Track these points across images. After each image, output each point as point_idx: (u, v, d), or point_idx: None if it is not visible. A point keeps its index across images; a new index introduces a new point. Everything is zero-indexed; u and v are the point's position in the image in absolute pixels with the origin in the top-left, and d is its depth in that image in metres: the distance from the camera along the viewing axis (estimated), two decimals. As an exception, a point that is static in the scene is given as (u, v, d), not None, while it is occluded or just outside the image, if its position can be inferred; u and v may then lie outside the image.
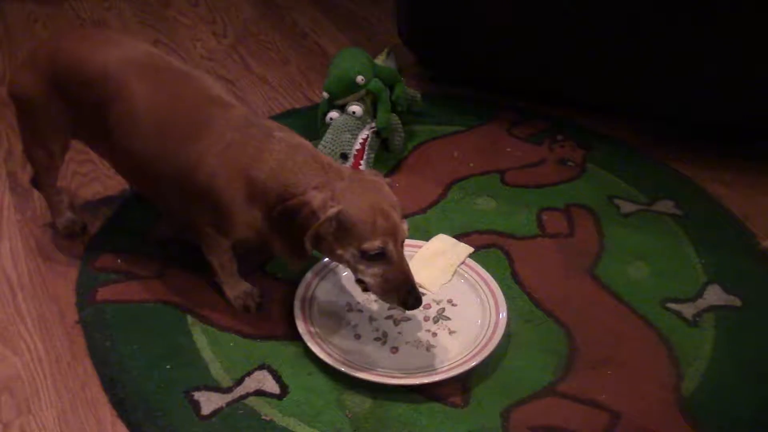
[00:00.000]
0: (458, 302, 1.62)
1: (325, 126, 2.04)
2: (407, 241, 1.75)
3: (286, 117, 2.29)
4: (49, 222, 1.86)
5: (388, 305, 1.60)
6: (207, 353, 1.53)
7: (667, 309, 1.63)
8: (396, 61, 2.30)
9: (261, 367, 1.50)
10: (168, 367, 1.49)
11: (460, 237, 1.80)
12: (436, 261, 1.70)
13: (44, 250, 1.80)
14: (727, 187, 2.00)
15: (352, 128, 1.99)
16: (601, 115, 2.27)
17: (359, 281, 1.46)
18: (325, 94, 2.06)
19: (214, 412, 1.41)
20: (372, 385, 1.44)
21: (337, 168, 1.45)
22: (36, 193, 1.92)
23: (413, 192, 1.97)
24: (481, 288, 1.63)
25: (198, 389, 1.45)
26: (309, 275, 1.66)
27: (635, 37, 2.04)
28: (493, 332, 1.51)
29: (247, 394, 1.44)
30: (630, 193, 1.98)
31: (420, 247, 1.74)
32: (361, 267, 1.40)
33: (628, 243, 1.81)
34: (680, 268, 1.74)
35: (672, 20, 1.97)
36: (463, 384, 1.46)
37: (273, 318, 1.61)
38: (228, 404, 1.42)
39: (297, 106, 2.38)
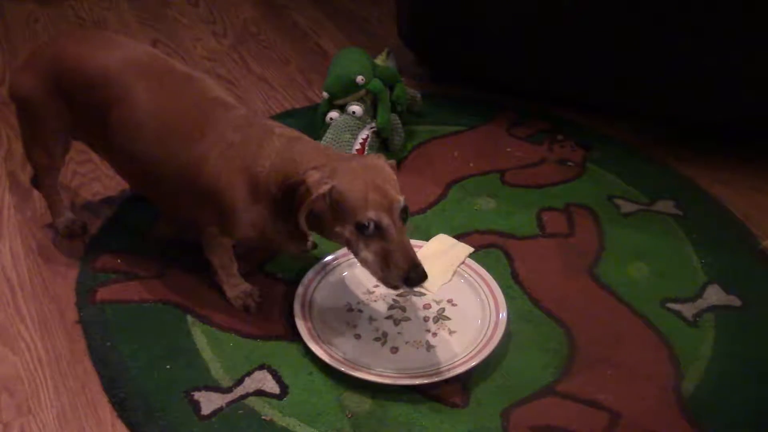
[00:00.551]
0: (458, 302, 1.62)
1: (325, 126, 2.04)
2: (407, 241, 1.76)
3: (286, 117, 2.29)
4: (49, 222, 1.86)
5: (387, 306, 1.61)
6: (207, 353, 1.53)
7: (667, 309, 1.63)
8: (396, 61, 2.30)
9: (261, 367, 1.50)
10: (168, 367, 1.49)
11: (460, 237, 1.80)
12: (436, 261, 1.70)
13: (44, 250, 1.80)
14: (727, 187, 2.00)
15: (352, 128, 1.99)
16: (601, 115, 2.27)
17: (362, 261, 1.41)
18: (325, 94, 2.06)
19: (214, 412, 1.41)
20: (372, 385, 1.44)
21: (338, 153, 1.46)
22: (36, 193, 1.92)
23: (413, 192, 1.96)
24: (481, 288, 1.63)
25: (198, 389, 1.45)
26: (309, 275, 1.66)
27: (635, 37, 2.04)
28: (493, 332, 1.51)
29: (247, 394, 1.44)
30: (630, 193, 1.98)
31: (420, 247, 1.74)
32: (362, 245, 1.38)
33: (628, 243, 1.81)
34: (680, 268, 1.74)
35: (672, 20, 1.97)
36: (463, 384, 1.46)
37: (273, 318, 1.61)
38: (228, 404, 1.42)
39: (297, 106, 2.38)
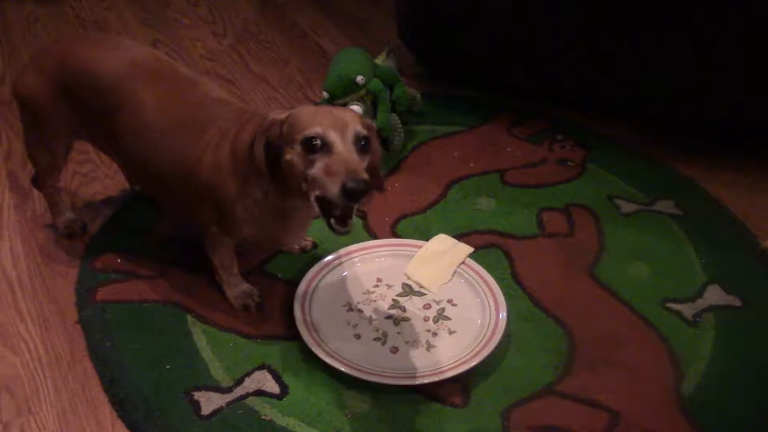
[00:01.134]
0: (458, 302, 1.62)
1: (325, 126, 2.04)
2: (407, 242, 1.77)
3: (286, 117, 2.29)
4: (49, 222, 1.86)
5: (387, 306, 1.61)
6: (207, 353, 1.53)
7: (667, 309, 1.63)
8: (396, 61, 2.30)
9: (261, 367, 1.50)
10: (168, 367, 1.49)
11: (460, 237, 1.80)
12: (436, 261, 1.70)
13: (44, 250, 1.80)
14: (727, 187, 2.00)
15: (352, 128, 1.99)
16: (601, 115, 2.27)
17: (310, 182, 1.32)
18: (325, 94, 2.06)
19: (214, 412, 1.41)
20: (372, 385, 1.44)
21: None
22: (36, 193, 1.92)
23: (413, 192, 1.97)
24: (481, 288, 1.63)
25: (198, 389, 1.45)
26: (309, 275, 1.66)
27: (635, 37, 2.04)
28: (493, 332, 1.51)
29: (247, 394, 1.44)
30: (630, 193, 1.98)
31: (420, 247, 1.74)
32: (308, 165, 1.30)
33: (628, 243, 1.81)
34: (680, 268, 1.74)
35: (672, 20, 1.97)
36: (463, 384, 1.46)
37: (273, 318, 1.61)
38: (228, 404, 1.42)
39: (297, 106, 2.38)
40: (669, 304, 1.64)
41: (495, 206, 1.93)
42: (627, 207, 1.93)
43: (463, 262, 1.70)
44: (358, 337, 1.55)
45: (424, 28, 2.39)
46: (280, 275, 1.72)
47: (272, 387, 1.46)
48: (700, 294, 1.67)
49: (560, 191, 1.98)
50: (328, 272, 1.68)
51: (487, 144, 2.17)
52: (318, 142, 1.29)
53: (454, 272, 1.68)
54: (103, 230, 1.85)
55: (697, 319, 1.61)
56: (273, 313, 1.62)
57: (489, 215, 1.90)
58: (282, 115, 1.37)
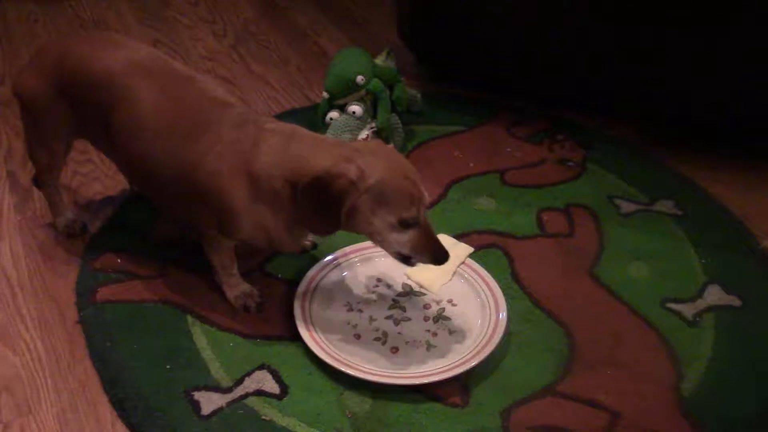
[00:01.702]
0: (458, 302, 1.62)
1: (325, 126, 2.04)
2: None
3: (286, 117, 2.29)
4: (49, 222, 1.86)
5: (387, 306, 1.61)
6: (207, 353, 1.53)
7: (667, 309, 1.63)
8: (396, 61, 2.30)
9: (261, 367, 1.50)
10: (168, 367, 1.49)
11: (460, 237, 1.80)
12: (436, 261, 1.70)
13: (44, 250, 1.80)
14: (727, 187, 2.00)
15: (352, 128, 1.99)
16: (601, 115, 2.27)
17: (394, 248, 1.46)
18: (325, 94, 2.06)
19: (214, 412, 1.41)
20: (372, 385, 1.44)
21: (343, 142, 1.46)
22: (36, 193, 1.92)
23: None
24: (481, 288, 1.63)
25: (198, 389, 1.45)
26: (309, 275, 1.66)
27: (635, 37, 2.04)
28: (493, 332, 1.51)
29: (247, 394, 1.44)
30: (630, 193, 1.98)
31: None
32: (394, 235, 1.42)
33: (628, 243, 1.81)
34: (680, 268, 1.74)
35: (672, 20, 1.97)
36: (463, 384, 1.46)
37: (273, 318, 1.61)
38: (228, 404, 1.42)
39: (297, 106, 2.38)
40: (669, 304, 1.64)
41: (495, 206, 1.93)
42: (627, 207, 1.93)
43: (463, 262, 1.70)
44: (358, 337, 1.55)
45: (424, 28, 2.39)
46: (280, 275, 1.72)
47: (272, 387, 1.46)
48: (700, 294, 1.67)
49: (560, 191, 1.98)
50: (328, 272, 1.68)
51: (487, 144, 2.17)
52: (412, 220, 1.40)
53: (454, 272, 1.68)
54: (103, 230, 1.85)
55: (697, 319, 1.61)
56: (273, 313, 1.62)
57: (489, 215, 1.90)
58: (370, 181, 1.36)
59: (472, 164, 2.08)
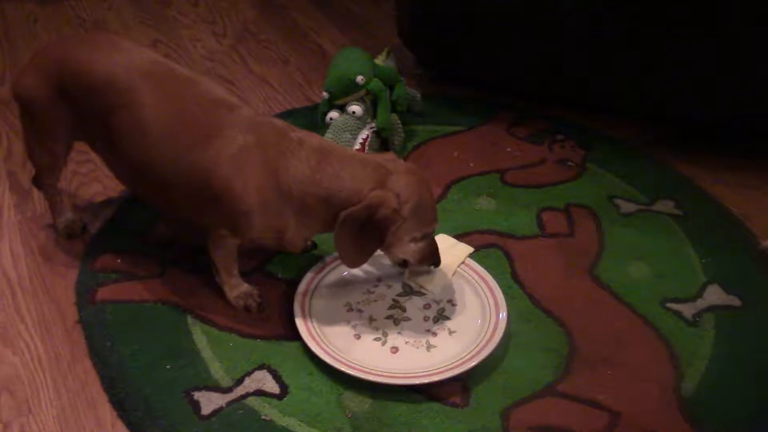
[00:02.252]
0: (458, 302, 1.62)
1: (325, 126, 2.04)
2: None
3: (286, 117, 2.28)
4: (49, 222, 1.86)
5: (387, 306, 1.61)
6: (207, 353, 1.53)
7: (667, 309, 1.63)
8: (396, 61, 2.30)
9: (261, 367, 1.50)
10: (168, 367, 1.49)
11: (460, 237, 1.80)
12: (436, 261, 1.70)
13: (44, 250, 1.80)
14: (727, 187, 2.00)
15: (352, 128, 1.99)
16: (601, 115, 2.27)
17: (399, 261, 1.58)
18: (325, 94, 2.06)
19: (214, 412, 1.41)
20: (372, 385, 1.44)
21: (374, 161, 1.49)
22: (36, 193, 1.92)
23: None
24: (481, 288, 1.64)
25: (198, 389, 1.45)
26: (309, 275, 1.66)
27: (635, 37, 2.03)
28: (493, 332, 1.51)
29: (247, 394, 1.44)
30: (630, 193, 1.98)
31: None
32: (411, 246, 1.52)
33: (628, 243, 1.81)
34: (680, 268, 1.74)
35: (672, 20, 1.97)
36: (463, 384, 1.46)
37: (273, 318, 1.61)
38: (228, 404, 1.42)
39: (297, 106, 2.38)
40: (669, 304, 1.64)
41: (495, 206, 1.93)
42: (627, 207, 1.93)
43: (463, 262, 1.70)
44: (358, 337, 1.55)
45: (424, 28, 2.39)
46: (280, 275, 1.72)
47: (272, 387, 1.46)
48: (700, 294, 1.67)
49: (560, 191, 1.98)
50: (328, 272, 1.68)
51: (487, 144, 2.17)
52: (430, 235, 1.54)
53: (454, 272, 1.68)
54: (103, 230, 1.85)
55: (697, 319, 1.61)
56: (273, 313, 1.62)
57: (489, 215, 1.90)
58: (407, 207, 1.43)
59: (472, 164, 2.08)
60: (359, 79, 2.02)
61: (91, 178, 2.03)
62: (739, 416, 1.41)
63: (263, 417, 1.40)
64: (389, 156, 1.53)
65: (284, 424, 1.39)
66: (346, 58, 2.09)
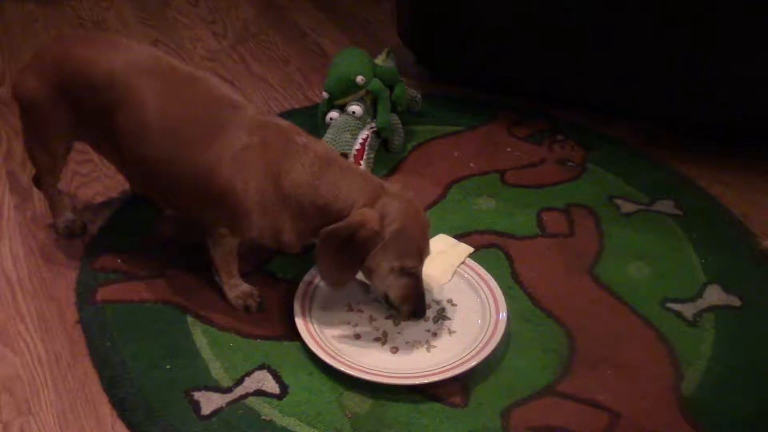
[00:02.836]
0: (458, 302, 1.62)
1: (325, 126, 2.04)
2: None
3: (286, 117, 2.26)
4: (49, 222, 1.86)
5: (388, 307, 1.61)
6: (207, 353, 1.53)
7: (667, 309, 1.63)
8: (396, 61, 2.30)
9: (261, 367, 1.50)
10: (168, 367, 1.49)
11: (460, 237, 1.80)
12: (436, 261, 1.70)
13: (44, 250, 1.80)
14: (727, 187, 2.00)
15: (352, 128, 1.99)
16: (601, 115, 2.27)
17: (383, 290, 1.51)
18: (325, 94, 2.06)
19: (214, 412, 1.41)
20: (372, 385, 1.44)
21: (376, 181, 1.49)
22: (36, 193, 1.92)
23: (413, 192, 1.96)
24: (481, 288, 1.64)
25: (198, 389, 1.45)
26: (309, 275, 1.66)
27: (635, 37, 2.04)
28: (493, 332, 1.51)
29: (247, 394, 1.44)
30: (630, 193, 1.98)
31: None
32: (390, 278, 1.47)
33: (628, 243, 1.81)
34: (680, 268, 1.74)
35: (672, 20, 1.97)
36: (463, 384, 1.46)
37: (273, 318, 1.61)
38: (228, 404, 1.42)
39: (297, 106, 2.38)
40: (669, 304, 1.64)
41: (495, 206, 1.93)
42: (627, 207, 1.93)
43: (463, 262, 1.70)
44: (358, 337, 1.55)
45: (424, 28, 2.39)
46: (280, 275, 1.72)
47: (272, 387, 1.46)
48: (700, 294, 1.67)
49: (560, 191, 1.98)
50: (328, 272, 1.68)
51: (487, 144, 2.17)
52: (411, 271, 1.46)
53: (454, 272, 1.68)
54: (103, 230, 1.85)
55: (697, 319, 1.61)
56: (273, 313, 1.62)
57: (489, 215, 1.90)
58: (389, 230, 1.40)
59: (472, 164, 2.09)
60: (359, 79, 2.02)
61: (91, 178, 2.03)
62: (739, 416, 1.41)
63: (263, 417, 1.40)
64: (397, 183, 1.53)
65: (284, 424, 1.39)
66: (346, 58, 2.10)
